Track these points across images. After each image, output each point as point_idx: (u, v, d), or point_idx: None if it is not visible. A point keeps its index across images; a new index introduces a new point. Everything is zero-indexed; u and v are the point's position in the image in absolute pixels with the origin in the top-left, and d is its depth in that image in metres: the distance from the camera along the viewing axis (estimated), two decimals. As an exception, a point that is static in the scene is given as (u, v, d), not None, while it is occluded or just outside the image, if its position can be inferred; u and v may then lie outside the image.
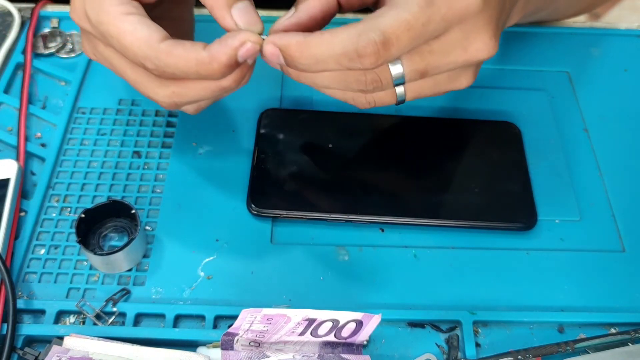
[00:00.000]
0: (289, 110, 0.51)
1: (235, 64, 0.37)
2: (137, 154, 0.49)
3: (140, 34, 0.37)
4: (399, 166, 0.48)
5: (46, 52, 0.55)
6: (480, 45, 0.37)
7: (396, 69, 0.37)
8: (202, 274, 0.43)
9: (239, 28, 0.37)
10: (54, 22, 0.57)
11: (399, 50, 0.35)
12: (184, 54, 0.36)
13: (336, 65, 0.35)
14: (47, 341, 0.40)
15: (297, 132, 0.49)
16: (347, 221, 0.45)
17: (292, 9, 0.38)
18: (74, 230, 0.42)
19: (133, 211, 0.42)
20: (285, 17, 0.38)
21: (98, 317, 0.41)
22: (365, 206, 0.45)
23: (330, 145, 0.48)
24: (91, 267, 0.43)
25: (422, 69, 0.37)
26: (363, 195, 0.46)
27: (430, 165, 0.48)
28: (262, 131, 0.49)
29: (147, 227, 0.45)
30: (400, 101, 0.39)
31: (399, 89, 0.39)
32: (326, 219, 0.45)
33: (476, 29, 0.36)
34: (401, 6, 0.35)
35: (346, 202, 0.45)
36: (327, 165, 0.48)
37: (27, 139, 0.49)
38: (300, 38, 0.36)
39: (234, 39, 0.36)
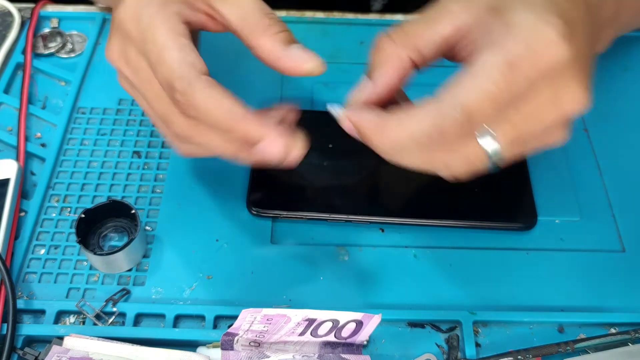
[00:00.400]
0: None
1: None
2: (137, 154, 0.49)
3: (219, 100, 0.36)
4: (398, 166, 0.48)
5: (46, 52, 0.55)
6: (572, 98, 0.33)
7: (489, 144, 0.33)
8: (202, 274, 0.43)
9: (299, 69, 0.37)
10: (54, 22, 0.57)
11: (485, 121, 0.32)
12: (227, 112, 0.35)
13: (418, 147, 0.33)
14: (47, 341, 0.40)
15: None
16: (346, 221, 0.45)
17: (366, 78, 0.36)
18: (74, 230, 0.42)
19: (133, 211, 0.42)
20: (362, 88, 0.36)
21: (98, 317, 0.41)
22: (365, 206, 0.45)
23: (330, 145, 0.48)
24: (91, 267, 0.43)
25: (515, 137, 0.33)
26: (363, 195, 0.46)
27: None
28: None
29: (147, 227, 0.45)
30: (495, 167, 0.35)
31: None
32: (326, 219, 0.45)
33: (566, 81, 0.32)
34: (480, 73, 0.31)
35: (346, 202, 0.45)
36: (327, 165, 0.48)
37: (27, 139, 0.49)
38: (375, 119, 0.34)
39: (283, 142, 0.36)
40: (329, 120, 0.50)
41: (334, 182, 0.47)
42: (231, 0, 0.37)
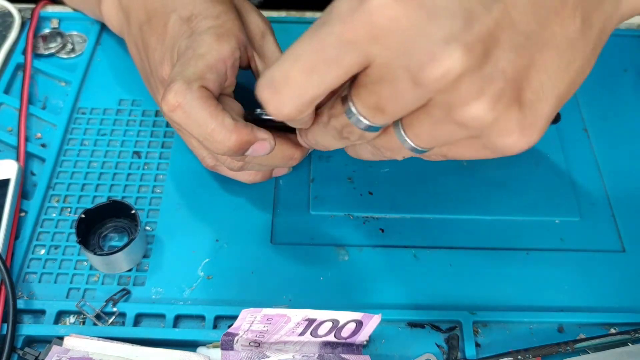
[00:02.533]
0: None
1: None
2: (137, 154, 0.49)
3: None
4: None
5: (46, 52, 0.55)
6: (425, 54, 0.26)
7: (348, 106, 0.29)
8: (202, 274, 0.43)
9: None
10: (54, 23, 0.57)
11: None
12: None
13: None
14: (47, 341, 0.40)
15: None
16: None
17: None
18: (74, 230, 0.42)
19: (133, 211, 0.42)
20: None
21: (98, 317, 0.41)
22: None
23: None
24: (91, 268, 0.43)
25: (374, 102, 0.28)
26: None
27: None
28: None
29: (147, 227, 0.45)
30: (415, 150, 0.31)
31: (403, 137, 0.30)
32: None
33: (414, 41, 0.26)
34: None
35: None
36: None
37: (27, 139, 0.49)
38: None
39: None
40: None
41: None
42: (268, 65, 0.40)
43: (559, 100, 0.29)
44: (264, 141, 0.37)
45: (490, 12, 0.26)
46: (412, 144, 0.30)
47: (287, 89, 0.28)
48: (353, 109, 0.29)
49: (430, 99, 0.27)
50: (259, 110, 0.39)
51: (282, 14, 0.58)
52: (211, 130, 0.36)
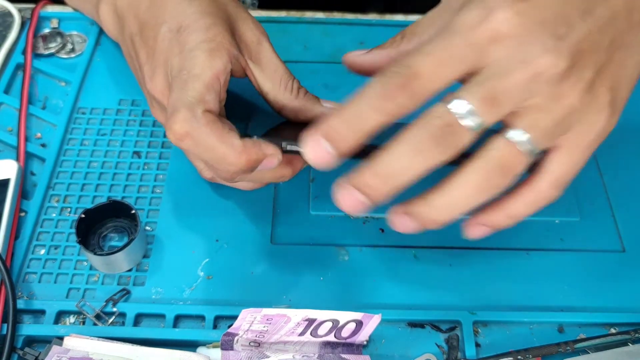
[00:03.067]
0: None
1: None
2: (137, 154, 0.49)
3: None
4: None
5: (46, 52, 0.55)
6: (535, 56, 0.33)
7: (459, 106, 0.32)
8: (202, 274, 0.43)
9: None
10: (54, 23, 0.57)
11: (434, 82, 0.33)
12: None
13: (376, 111, 0.33)
14: (47, 341, 0.40)
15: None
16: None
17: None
18: (74, 230, 0.42)
19: (133, 211, 0.42)
20: None
21: (98, 317, 0.41)
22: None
23: None
24: (91, 268, 0.43)
25: (486, 95, 0.33)
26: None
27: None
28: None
29: (147, 227, 0.45)
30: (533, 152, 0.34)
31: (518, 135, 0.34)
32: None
33: (522, 43, 0.33)
34: (427, 42, 0.34)
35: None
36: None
37: (27, 139, 0.49)
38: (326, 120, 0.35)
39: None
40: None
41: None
42: (265, 71, 0.42)
43: (631, 88, 0.37)
44: (272, 157, 0.38)
45: (585, 22, 0.33)
46: (529, 137, 0.34)
47: (421, 80, 0.33)
48: (466, 106, 0.32)
49: (538, 90, 0.33)
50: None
51: (282, 14, 0.58)
52: (222, 154, 0.37)
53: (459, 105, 0.32)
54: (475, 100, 0.32)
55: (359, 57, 0.41)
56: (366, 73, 0.41)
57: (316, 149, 0.34)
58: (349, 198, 0.34)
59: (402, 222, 0.36)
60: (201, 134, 0.37)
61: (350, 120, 0.33)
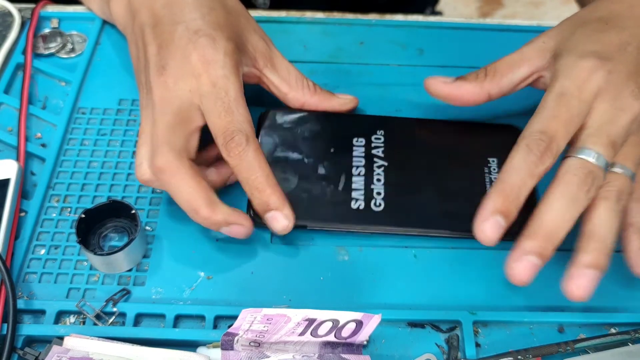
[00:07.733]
0: (289, 111, 0.50)
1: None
2: (137, 154, 0.49)
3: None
4: (399, 169, 0.47)
5: (46, 52, 0.55)
6: (627, 100, 0.41)
7: (589, 154, 0.40)
8: (202, 274, 0.43)
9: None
10: (54, 23, 0.57)
11: (562, 137, 0.40)
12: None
13: (526, 176, 0.40)
14: (47, 341, 0.40)
15: (298, 133, 0.49)
16: (347, 231, 0.45)
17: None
18: (74, 230, 0.42)
19: (133, 211, 0.42)
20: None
21: (98, 317, 0.41)
22: (365, 215, 0.45)
23: (332, 150, 0.48)
24: (91, 267, 0.43)
25: (607, 140, 0.40)
26: (363, 202, 0.45)
27: (432, 169, 0.47)
28: (263, 132, 0.49)
29: (147, 227, 0.45)
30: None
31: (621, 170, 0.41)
32: (325, 229, 0.45)
33: (616, 92, 0.41)
34: (541, 107, 0.41)
35: (346, 210, 0.45)
36: (329, 166, 0.47)
37: (27, 139, 0.49)
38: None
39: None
40: (330, 122, 0.50)
41: (335, 185, 0.46)
42: (280, 74, 0.48)
43: None
44: (241, 226, 0.42)
45: None
46: (630, 169, 0.41)
47: (558, 141, 0.40)
48: (595, 154, 0.39)
49: (635, 128, 0.41)
50: None
51: (282, 14, 0.58)
52: (197, 206, 0.41)
53: (589, 154, 0.39)
54: (600, 148, 0.39)
55: (443, 85, 0.46)
56: (448, 101, 0.46)
57: (494, 225, 0.39)
58: (526, 266, 0.38)
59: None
60: (183, 180, 0.41)
61: (513, 192, 0.39)
